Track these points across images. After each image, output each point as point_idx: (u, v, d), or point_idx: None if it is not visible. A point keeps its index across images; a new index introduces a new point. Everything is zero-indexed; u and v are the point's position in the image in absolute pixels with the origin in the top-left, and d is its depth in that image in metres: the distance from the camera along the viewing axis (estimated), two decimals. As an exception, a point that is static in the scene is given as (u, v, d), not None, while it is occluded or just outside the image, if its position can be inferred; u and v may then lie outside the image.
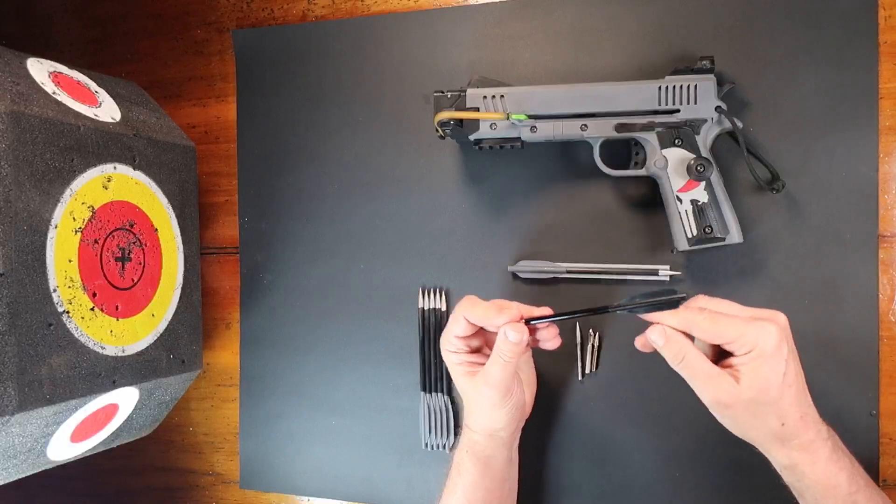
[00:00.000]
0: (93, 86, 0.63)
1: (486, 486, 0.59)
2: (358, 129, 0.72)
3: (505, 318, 0.54)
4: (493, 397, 0.56)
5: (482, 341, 0.60)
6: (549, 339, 0.57)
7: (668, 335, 0.50)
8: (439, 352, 0.69)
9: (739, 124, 0.59)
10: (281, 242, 0.74)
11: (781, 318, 0.50)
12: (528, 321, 0.55)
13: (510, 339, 0.53)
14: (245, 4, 0.76)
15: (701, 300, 0.52)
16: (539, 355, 0.66)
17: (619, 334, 0.66)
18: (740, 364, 0.49)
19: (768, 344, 0.48)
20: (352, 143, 0.72)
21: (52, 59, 0.62)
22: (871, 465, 0.60)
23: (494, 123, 0.61)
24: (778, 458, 0.51)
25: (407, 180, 0.70)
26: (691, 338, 0.51)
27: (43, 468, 0.59)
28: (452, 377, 0.60)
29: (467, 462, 0.59)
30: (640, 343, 0.53)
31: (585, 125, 0.60)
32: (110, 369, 0.58)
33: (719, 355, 0.52)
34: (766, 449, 0.51)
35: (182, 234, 0.68)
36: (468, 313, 0.56)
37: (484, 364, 0.57)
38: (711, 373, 0.49)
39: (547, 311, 0.56)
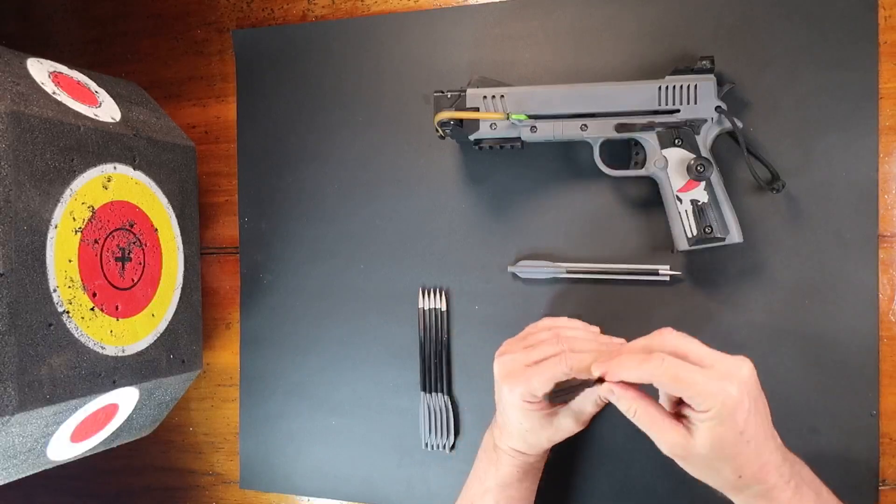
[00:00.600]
0: (93, 86, 0.63)
1: (530, 497, 0.61)
2: (358, 129, 0.72)
3: (617, 377, 0.50)
4: (576, 430, 0.56)
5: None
6: None
7: (618, 394, 0.49)
8: (439, 352, 0.69)
9: (739, 124, 0.59)
10: (281, 242, 0.74)
11: (745, 369, 0.46)
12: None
13: (621, 404, 0.50)
14: (245, 4, 0.76)
15: (666, 335, 0.49)
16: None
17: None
18: (697, 420, 0.46)
19: (727, 405, 0.45)
20: (352, 143, 0.72)
21: (52, 59, 0.62)
22: (871, 465, 0.60)
23: (494, 123, 0.61)
24: (738, 502, 0.50)
25: (407, 180, 0.70)
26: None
27: (43, 468, 0.59)
28: (514, 417, 0.56)
29: (516, 481, 0.59)
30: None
31: (585, 125, 0.60)
32: (110, 369, 0.58)
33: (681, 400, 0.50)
34: (725, 493, 0.50)
35: (182, 234, 0.68)
36: (575, 367, 0.52)
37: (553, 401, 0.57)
38: (663, 426, 0.48)
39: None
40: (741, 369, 0.46)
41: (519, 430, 0.57)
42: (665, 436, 0.48)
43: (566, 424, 0.56)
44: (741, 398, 0.45)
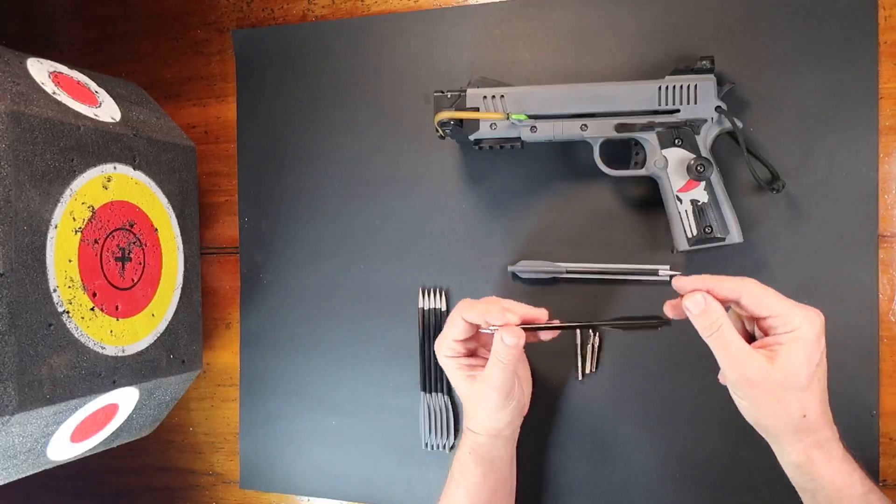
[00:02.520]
0: (93, 86, 0.63)
1: (489, 486, 0.59)
2: (358, 129, 0.72)
3: (500, 321, 0.54)
4: (496, 399, 0.56)
5: (477, 343, 0.60)
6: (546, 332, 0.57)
7: (707, 304, 0.49)
8: (439, 352, 0.69)
9: (739, 124, 0.59)
10: (281, 242, 0.74)
11: (822, 315, 0.49)
12: (523, 327, 0.55)
13: (506, 342, 0.53)
14: (245, 4, 0.76)
15: (749, 281, 0.51)
16: (539, 356, 0.66)
17: (620, 334, 0.66)
18: (777, 344, 0.48)
19: (812, 329, 0.47)
20: (352, 143, 0.72)
21: (52, 59, 0.62)
22: (871, 465, 0.60)
23: (494, 123, 0.61)
24: (792, 454, 0.50)
25: (407, 180, 0.70)
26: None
27: (43, 468, 0.59)
28: (452, 382, 0.60)
29: (471, 464, 0.59)
30: (670, 307, 0.52)
31: (585, 125, 0.60)
32: (110, 369, 0.58)
33: (748, 340, 0.51)
34: (780, 442, 0.50)
35: (182, 234, 0.68)
36: (466, 314, 0.56)
37: (481, 366, 0.57)
38: (744, 348, 0.48)
39: (543, 315, 0.56)
40: (819, 312, 0.49)
41: (464, 402, 0.59)
42: (744, 356, 0.48)
43: (486, 392, 0.56)
44: (821, 332, 0.48)
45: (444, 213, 0.69)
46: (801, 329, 0.47)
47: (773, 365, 0.47)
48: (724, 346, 0.49)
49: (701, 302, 0.49)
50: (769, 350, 0.48)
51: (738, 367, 0.48)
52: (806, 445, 0.49)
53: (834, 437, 0.50)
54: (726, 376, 0.50)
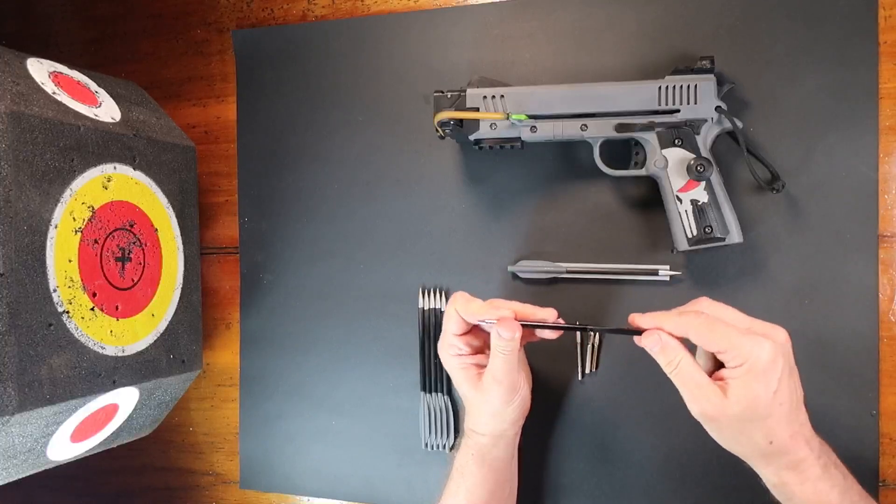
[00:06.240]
0: (93, 86, 0.63)
1: (489, 488, 0.59)
2: (358, 129, 0.72)
3: (496, 316, 0.55)
4: (502, 394, 0.56)
5: (482, 341, 0.60)
6: (546, 331, 0.57)
7: (664, 342, 0.49)
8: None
9: (739, 124, 0.59)
10: (281, 242, 0.74)
11: (781, 334, 0.48)
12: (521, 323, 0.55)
13: (503, 336, 0.54)
14: (245, 4, 0.76)
15: (703, 303, 0.51)
16: (539, 356, 0.66)
17: (619, 335, 0.66)
18: (730, 377, 0.47)
19: (761, 359, 0.46)
20: (352, 143, 0.72)
21: (52, 59, 0.62)
22: (871, 465, 0.60)
23: (494, 123, 0.61)
24: (766, 475, 0.50)
25: (407, 180, 0.70)
26: (693, 348, 0.50)
27: (43, 468, 0.59)
28: (455, 383, 0.59)
29: (472, 465, 0.59)
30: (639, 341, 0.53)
31: (585, 125, 0.60)
32: (110, 369, 0.58)
33: (717, 368, 0.51)
34: (754, 465, 0.50)
35: (182, 234, 0.68)
36: (461, 310, 0.57)
37: (485, 365, 0.57)
38: (701, 383, 0.48)
39: (549, 315, 0.56)
40: (777, 332, 0.48)
41: (467, 404, 0.59)
42: (701, 392, 0.48)
43: (492, 387, 0.56)
44: (776, 357, 0.46)
45: (444, 213, 0.69)
46: (749, 360, 0.46)
47: (728, 399, 0.47)
48: (683, 381, 0.49)
49: (658, 341, 0.49)
50: (725, 383, 0.48)
51: (696, 402, 0.49)
52: (777, 468, 0.49)
53: (811, 455, 0.48)
54: (690, 409, 0.50)
